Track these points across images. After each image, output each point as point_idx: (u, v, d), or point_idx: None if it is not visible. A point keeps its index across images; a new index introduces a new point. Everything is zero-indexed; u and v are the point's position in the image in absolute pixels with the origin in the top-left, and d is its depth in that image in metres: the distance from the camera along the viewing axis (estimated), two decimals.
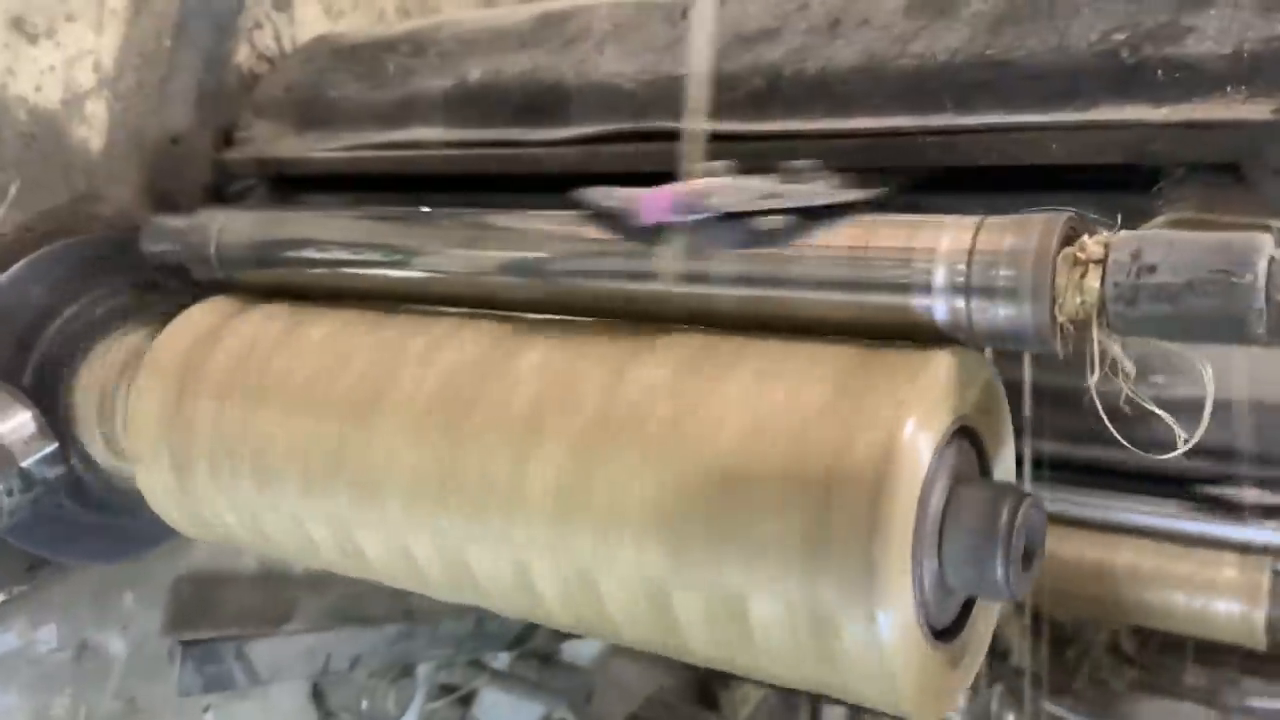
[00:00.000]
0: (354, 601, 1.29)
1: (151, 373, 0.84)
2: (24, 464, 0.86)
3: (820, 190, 0.66)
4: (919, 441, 0.54)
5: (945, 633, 0.60)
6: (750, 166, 0.69)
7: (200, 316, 0.86)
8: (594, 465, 0.61)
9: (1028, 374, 0.83)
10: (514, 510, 0.63)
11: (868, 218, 0.62)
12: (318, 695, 1.28)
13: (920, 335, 0.58)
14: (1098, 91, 0.64)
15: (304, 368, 0.77)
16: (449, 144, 0.90)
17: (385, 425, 0.71)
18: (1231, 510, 2.00)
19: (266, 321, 0.83)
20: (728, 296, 0.65)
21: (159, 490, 0.84)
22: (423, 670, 1.36)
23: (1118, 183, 0.64)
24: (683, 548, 0.58)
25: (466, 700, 1.41)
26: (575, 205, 0.71)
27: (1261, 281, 0.49)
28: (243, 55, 1.13)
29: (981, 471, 0.62)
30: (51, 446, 0.88)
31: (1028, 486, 0.69)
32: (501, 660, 1.48)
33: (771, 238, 0.64)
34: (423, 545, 0.69)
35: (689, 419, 0.60)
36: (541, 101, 0.87)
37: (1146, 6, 0.64)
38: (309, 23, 1.20)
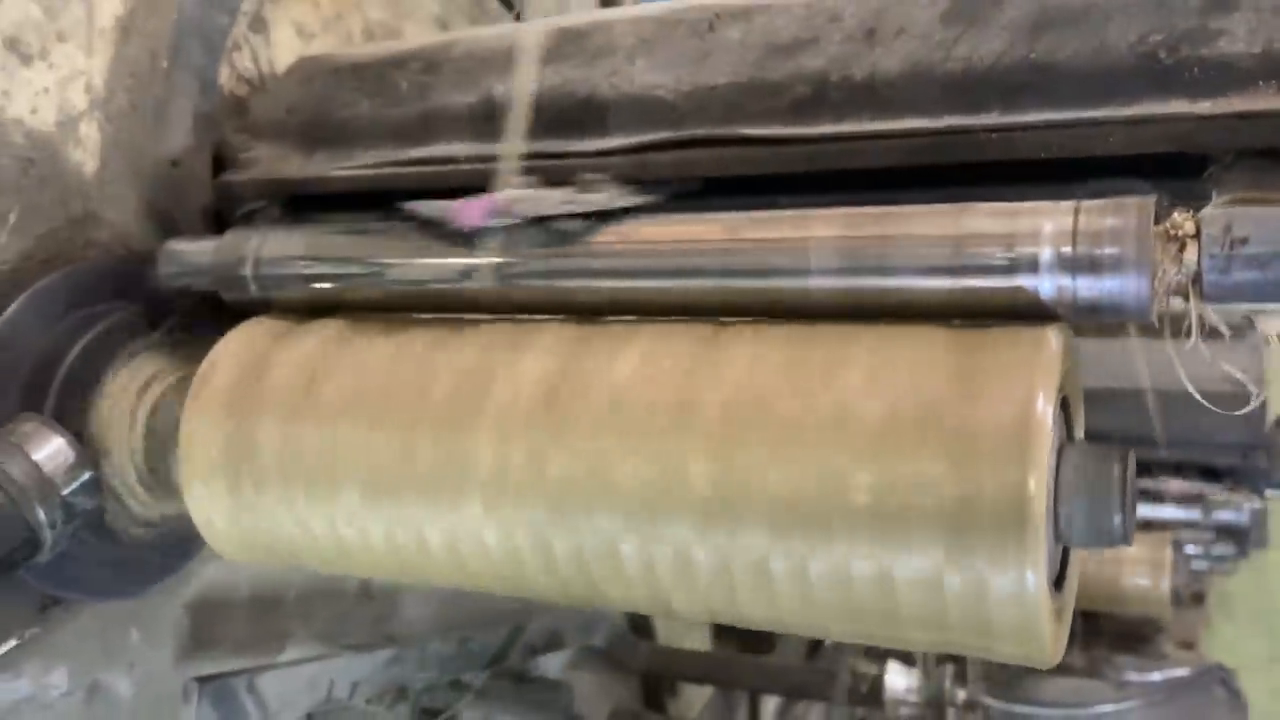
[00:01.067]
0: (339, 626, 1.27)
1: (204, 398, 0.82)
2: (65, 493, 0.83)
3: (606, 198, 0.81)
4: (1048, 410, 0.59)
5: (1057, 584, 0.65)
6: (553, 181, 0.84)
7: (249, 338, 0.84)
8: (737, 461, 0.64)
9: None
10: (668, 509, 0.66)
11: (958, 207, 0.67)
12: None
13: (1024, 314, 0.63)
14: (1139, 90, 0.71)
15: (379, 382, 0.78)
16: (481, 158, 0.91)
17: (486, 433, 0.72)
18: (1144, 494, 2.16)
19: (323, 339, 0.82)
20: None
21: (213, 513, 0.83)
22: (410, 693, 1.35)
23: (1164, 171, 0.71)
24: (830, 534, 0.62)
25: None
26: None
27: None
28: (223, 76, 1.11)
29: (1068, 434, 0.68)
30: (89, 474, 0.85)
31: None
32: (479, 679, 1.48)
33: (567, 237, 0.79)
34: (561, 544, 0.70)
35: (816, 407, 0.64)
36: (577, 114, 0.89)
37: (1178, 11, 0.71)
38: (284, 44, 1.19)
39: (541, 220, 0.81)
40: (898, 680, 1.68)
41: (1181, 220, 0.60)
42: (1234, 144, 0.68)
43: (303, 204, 1.00)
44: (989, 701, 2.55)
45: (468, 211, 0.82)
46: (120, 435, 0.90)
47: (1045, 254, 0.62)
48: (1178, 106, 0.70)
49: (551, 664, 1.64)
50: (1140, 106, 0.71)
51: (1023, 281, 0.63)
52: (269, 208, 1.00)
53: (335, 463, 0.78)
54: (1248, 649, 4.90)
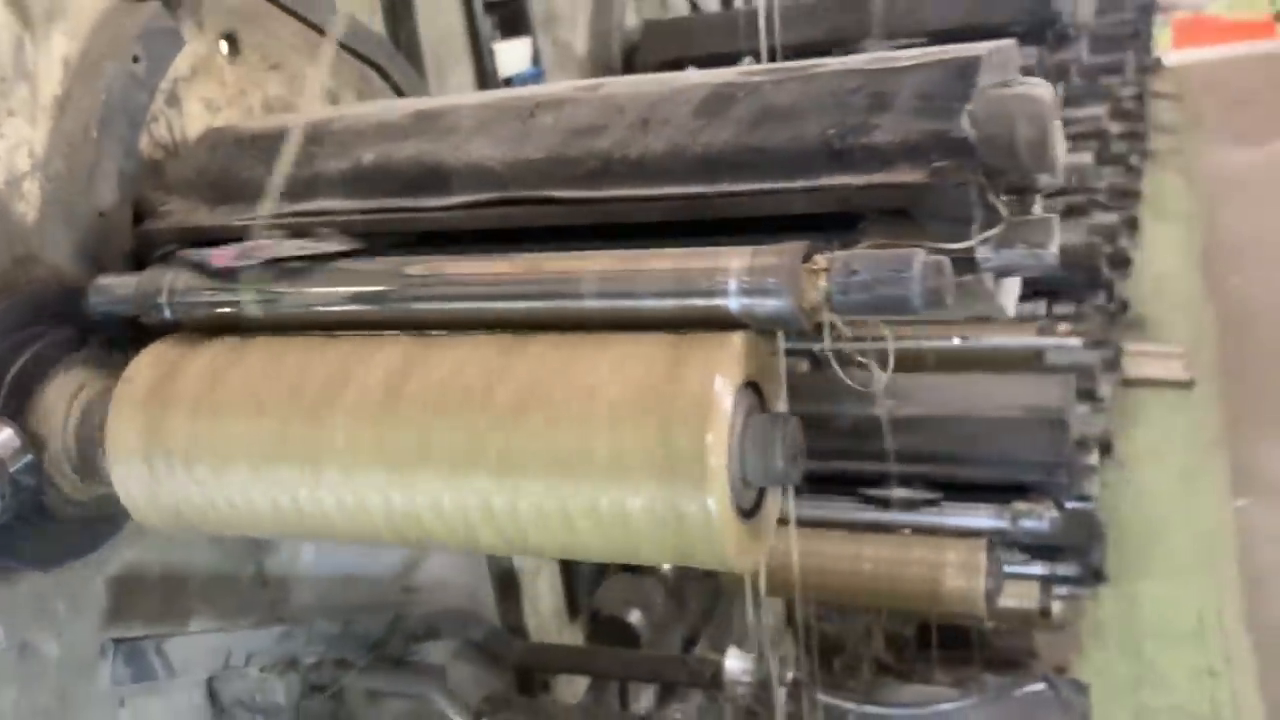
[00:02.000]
0: (236, 608, 1.49)
1: (126, 397, 1.06)
2: (12, 471, 1.05)
3: (327, 245, 1.11)
4: (727, 387, 0.86)
5: (749, 514, 0.91)
6: (293, 232, 1.15)
7: (162, 351, 1.09)
8: (521, 431, 0.90)
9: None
10: (473, 468, 0.91)
11: (686, 250, 0.94)
12: (212, 693, 1.47)
13: (722, 324, 0.90)
14: (821, 167, 0.99)
15: (262, 382, 1.02)
16: (350, 211, 1.17)
17: (342, 417, 0.97)
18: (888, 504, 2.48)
19: (221, 351, 1.07)
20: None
21: (133, 489, 1.06)
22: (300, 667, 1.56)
23: (836, 225, 0.99)
24: (585, 481, 0.88)
25: (338, 695, 1.62)
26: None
27: (917, 276, 0.84)
28: (144, 143, 1.35)
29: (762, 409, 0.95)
30: (30, 457, 1.08)
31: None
32: (363, 659, 1.70)
33: (295, 274, 1.10)
34: (398, 500, 0.95)
35: (577, 391, 0.89)
36: (426, 178, 1.15)
37: (850, 110, 1.00)
38: (194, 116, 1.43)
39: (277, 261, 1.10)
40: (735, 664, 1.92)
41: (820, 260, 0.87)
42: (878, 206, 0.96)
43: (209, 247, 1.24)
44: (847, 706, 2.82)
45: (219, 256, 1.12)
46: (56, 429, 1.13)
47: (732, 283, 0.89)
48: (844, 179, 0.98)
49: (431, 654, 1.86)
50: (821, 179, 0.99)
51: (719, 302, 0.90)
52: (180, 250, 1.24)
53: (229, 445, 1.02)
54: (1116, 672, 5.25)
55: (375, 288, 1.06)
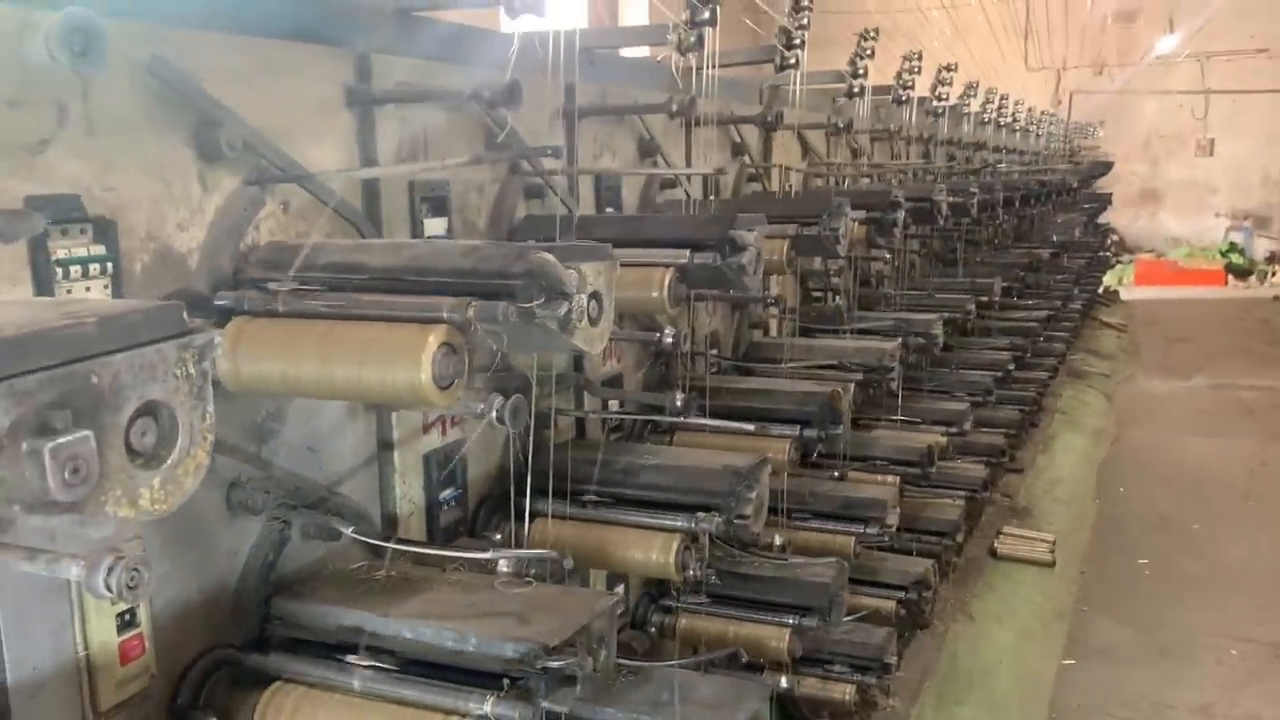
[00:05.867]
0: None
1: (226, 335, 2.76)
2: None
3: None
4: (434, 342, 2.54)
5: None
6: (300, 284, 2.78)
7: (239, 321, 2.79)
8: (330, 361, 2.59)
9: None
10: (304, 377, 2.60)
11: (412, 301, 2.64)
12: None
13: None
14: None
15: (279, 334, 2.72)
16: (327, 279, 2.88)
17: (307, 346, 2.66)
18: None
19: (262, 323, 2.77)
20: None
21: (224, 372, 2.73)
22: None
23: (482, 293, 2.69)
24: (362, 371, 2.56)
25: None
26: None
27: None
28: (244, 241, 3.09)
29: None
30: None
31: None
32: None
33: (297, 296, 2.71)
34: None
35: (366, 344, 2.58)
36: (358, 267, 2.87)
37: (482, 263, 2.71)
38: (265, 233, 3.16)
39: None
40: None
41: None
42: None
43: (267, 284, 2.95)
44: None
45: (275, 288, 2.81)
46: None
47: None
48: (471, 282, 2.69)
49: None
50: (455, 281, 2.70)
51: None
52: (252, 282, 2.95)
53: (263, 353, 2.69)
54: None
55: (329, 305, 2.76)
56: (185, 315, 1.73)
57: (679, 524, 3.99)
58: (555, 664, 2.56)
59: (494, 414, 2.73)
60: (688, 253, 3.69)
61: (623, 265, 3.72)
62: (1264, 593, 8.69)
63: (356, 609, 2.91)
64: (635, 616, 5.12)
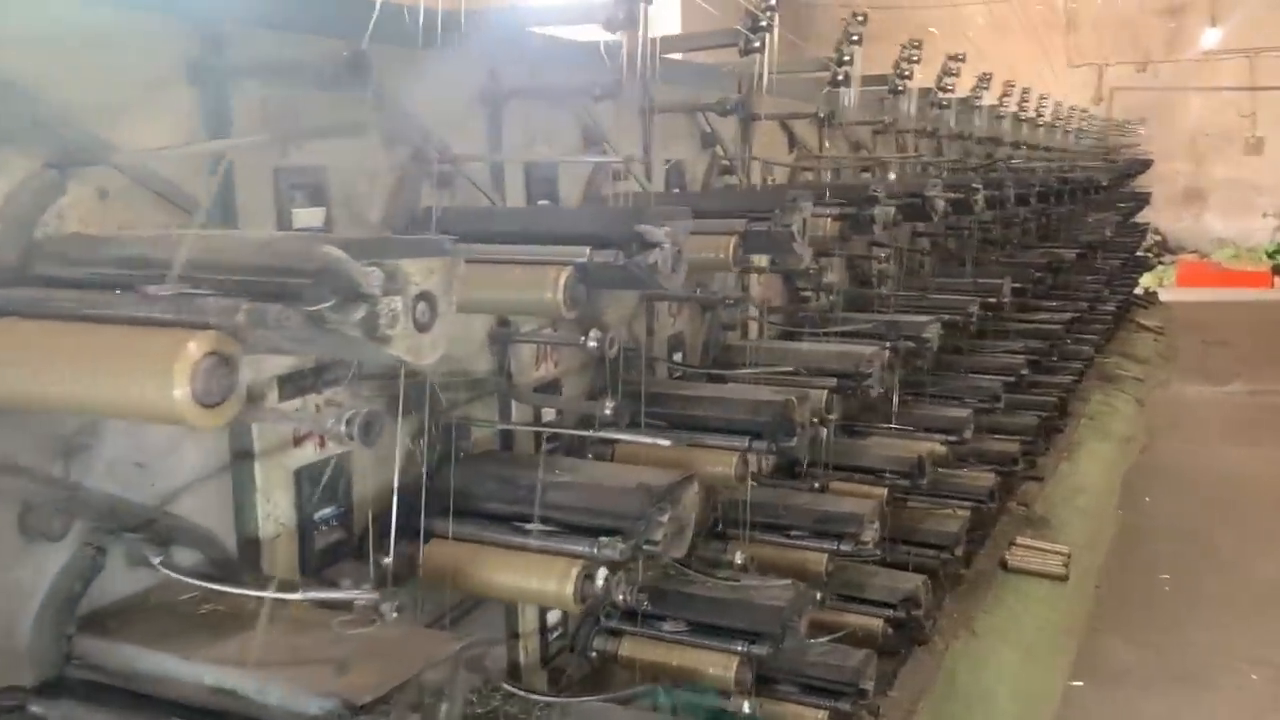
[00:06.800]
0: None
1: None
2: None
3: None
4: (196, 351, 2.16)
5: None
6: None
7: None
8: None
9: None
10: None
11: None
12: None
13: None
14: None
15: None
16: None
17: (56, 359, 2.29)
18: None
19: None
20: None
21: None
22: None
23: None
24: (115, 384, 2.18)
25: None
26: None
27: None
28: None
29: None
30: None
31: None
32: None
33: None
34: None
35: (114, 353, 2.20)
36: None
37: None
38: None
39: None
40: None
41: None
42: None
43: None
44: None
45: None
46: None
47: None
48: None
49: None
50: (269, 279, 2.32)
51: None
52: None
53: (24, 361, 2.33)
54: None
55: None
56: None
57: (579, 549, 3.58)
58: None
59: (343, 429, 2.34)
60: (587, 251, 3.28)
61: (516, 263, 3.36)
62: None
63: (159, 650, 2.54)
64: (575, 641, 4.73)
